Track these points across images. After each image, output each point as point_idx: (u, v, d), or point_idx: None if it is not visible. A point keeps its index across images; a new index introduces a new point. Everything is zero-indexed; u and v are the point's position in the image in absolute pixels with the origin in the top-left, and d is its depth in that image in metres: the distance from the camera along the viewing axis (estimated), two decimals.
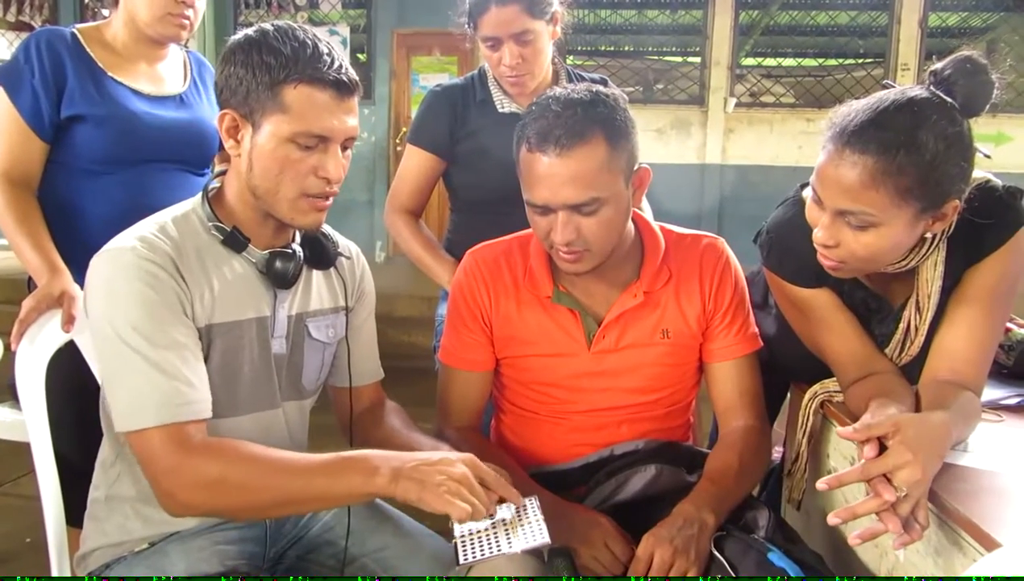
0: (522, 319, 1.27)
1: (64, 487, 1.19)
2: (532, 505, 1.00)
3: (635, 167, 1.16)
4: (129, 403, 0.97)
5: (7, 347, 1.33)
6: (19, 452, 1.34)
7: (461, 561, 0.92)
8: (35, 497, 1.16)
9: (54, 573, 1.17)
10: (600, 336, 1.25)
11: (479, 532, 0.96)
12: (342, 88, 1.02)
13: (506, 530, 0.96)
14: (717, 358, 1.29)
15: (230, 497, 0.96)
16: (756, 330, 1.32)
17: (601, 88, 1.16)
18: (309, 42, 1.01)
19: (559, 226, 1.12)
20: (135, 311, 0.97)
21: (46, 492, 1.17)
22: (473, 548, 0.94)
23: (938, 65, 1.05)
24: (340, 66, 1.02)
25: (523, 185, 1.15)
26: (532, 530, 0.96)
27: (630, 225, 1.24)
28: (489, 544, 0.95)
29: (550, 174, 1.10)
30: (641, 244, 1.27)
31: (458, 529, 0.96)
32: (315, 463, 0.97)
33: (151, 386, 0.96)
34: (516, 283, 1.28)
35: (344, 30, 6.56)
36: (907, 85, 1.07)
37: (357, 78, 1.04)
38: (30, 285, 1.43)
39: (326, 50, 1.02)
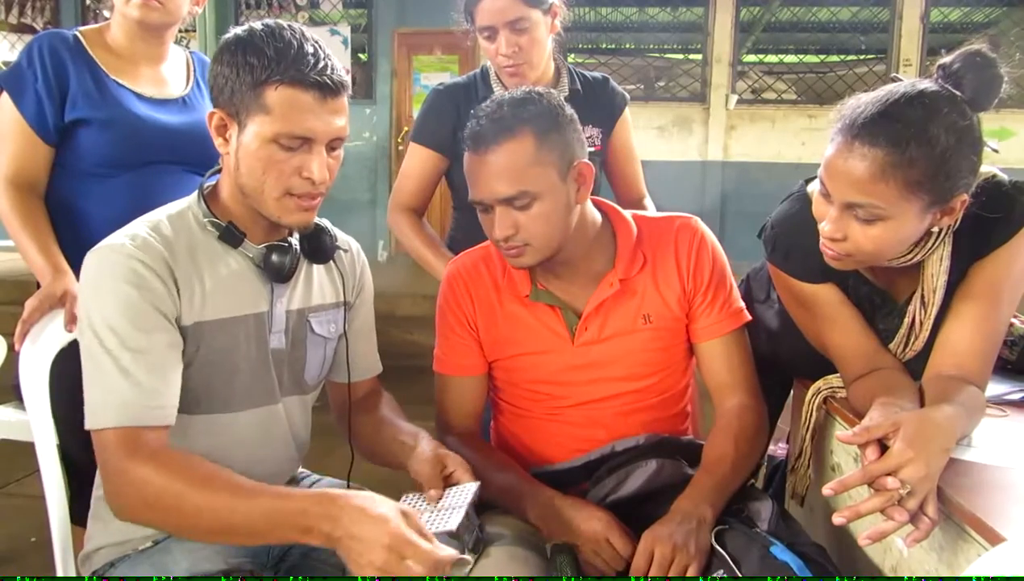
0: (506, 320, 1.28)
1: (68, 486, 1.19)
2: (469, 491, 1.05)
3: (573, 162, 1.17)
4: (93, 401, 0.98)
5: (11, 347, 1.34)
6: (23, 452, 1.34)
7: None
8: (39, 497, 1.17)
9: (59, 572, 1.17)
10: (582, 328, 1.25)
11: (416, 508, 1.02)
12: (325, 89, 1.00)
13: (433, 512, 1.02)
14: (704, 337, 1.29)
15: (164, 516, 0.94)
16: (741, 304, 1.31)
17: (538, 90, 1.20)
18: (295, 42, 1.00)
19: (496, 221, 1.15)
20: (115, 311, 0.98)
21: (50, 492, 1.17)
22: None
23: (947, 59, 1.04)
24: (325, 67, 1.01)
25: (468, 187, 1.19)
26: (447, 516, 1.01)
27: (597, 215, 1.26)
28: None
29: (482, 171, 1.14)
30: (613, 233, 1.28)
31: (402, 500, 1.04)
32: (255, 507, 0.91)
33: (115, 387, 0.97)
34: (496, 286, 1.30)
35: (345, 30, 6.56)
36: (916, 78, 1.06)
37: (345, 79, 1.03)
38: (38, 287, 1.43)
39: (311, 50, 1.00)
